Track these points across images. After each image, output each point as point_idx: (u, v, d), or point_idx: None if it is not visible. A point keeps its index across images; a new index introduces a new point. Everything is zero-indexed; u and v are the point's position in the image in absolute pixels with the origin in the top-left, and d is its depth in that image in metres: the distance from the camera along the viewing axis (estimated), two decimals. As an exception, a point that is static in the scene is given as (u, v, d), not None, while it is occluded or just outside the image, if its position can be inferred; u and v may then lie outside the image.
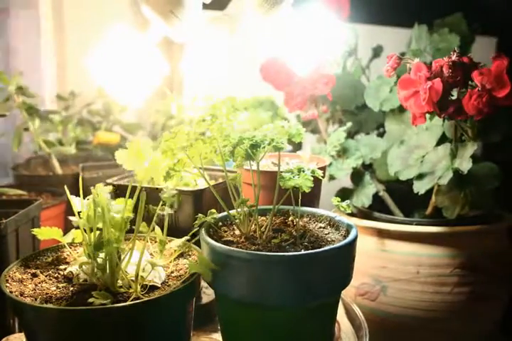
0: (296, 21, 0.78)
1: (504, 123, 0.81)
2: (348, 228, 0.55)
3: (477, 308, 0.84)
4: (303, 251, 0.50)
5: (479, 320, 0.86)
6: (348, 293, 0.89)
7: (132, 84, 0.74)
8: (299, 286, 0.48)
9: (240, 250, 0.49)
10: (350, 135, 1.00)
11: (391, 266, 0.86)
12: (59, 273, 0.54)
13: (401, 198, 0.93)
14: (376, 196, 0.93)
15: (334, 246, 0.50)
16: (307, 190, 0.52)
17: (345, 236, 0.54)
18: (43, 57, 1.21)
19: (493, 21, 1.34)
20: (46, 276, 0.53)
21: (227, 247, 0.50)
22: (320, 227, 0.58)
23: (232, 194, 0.56)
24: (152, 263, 0.51)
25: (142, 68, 0.76)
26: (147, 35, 0.78)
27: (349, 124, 0.92)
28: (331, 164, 0.94)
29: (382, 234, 0.87)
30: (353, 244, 0.51)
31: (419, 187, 0.80)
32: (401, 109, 0.92)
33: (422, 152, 0.84)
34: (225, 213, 0.57)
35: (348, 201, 0.56)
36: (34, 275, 0.53)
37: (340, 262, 0.51)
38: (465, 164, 0.74)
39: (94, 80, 0.76)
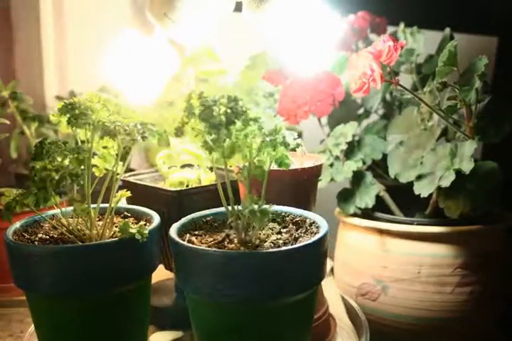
0: (294, 18, 0.77)
1: (505, 124, 0.81)
2: (321, 227, 0.55)
3: (478, 308, 0.84)
4: (269, 250, 0.50)
5: (480, 319, 0.86)
6: (348, 293, 0.89)
7: (143, 84, 0.74)
8: (268, 283, 0.48)
9: (210, 249, 0.50)
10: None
11: (392, 266, 0.86)
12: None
13: (401, 198, 0.93)
14: (376, 196, 0.93)
15: (299, 245, 0.50)
16: (287, 167, 0.52)
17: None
18: (43, 57, 1.21)
19: (493, 21, 1.34)
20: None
21: (195, 246, 0.50)
22: (295, 226, 0.58)
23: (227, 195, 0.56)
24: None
25: (152, 67, 0.77)
26: (153, 37, 0.79)
27: (353, 123, 0.92)
28: (332, 165, 0.94)
29: (383, 234, 0.87)
30: (319, 243, 0.51)
31: (420, 189, 0.80)
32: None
33: (422, 152, 0.84)
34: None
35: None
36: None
37: (308, 260, 0.51)
38: (466, 164, 0.74)
39: (112, 82, 0.76)
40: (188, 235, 0.55)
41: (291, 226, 0.58)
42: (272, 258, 0.48)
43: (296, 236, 0.55)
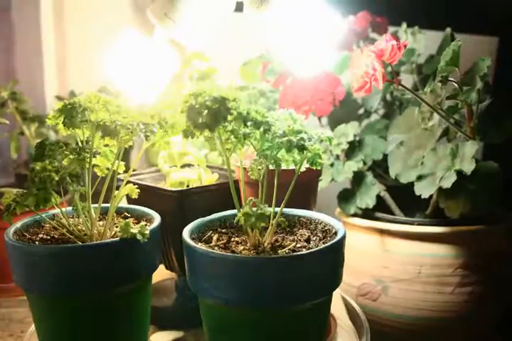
0: (295, 18, 0.77)
1: (506, 124, 0.81)
2: (337, 231, 0.55)
3: (478, 308, 0.84)
4: (282, 254, 0.50)
5: (480, 319, 0.86)
6: (349, 293, 0.89)
7: (143, 84, 0.75)
8: (282, 288, 0.47)
9: (226, 253, 0.49)
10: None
11: (392, 266, 0.85)
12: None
13: (402, 198, 0.93)
14: (376, 196, 0.93)
15: (313, 250, 0.49)
16: (319, 167, 0.51)
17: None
18: (43, 57, 1.21)
19: (493, 21, 1.34)
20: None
21: (209, 250, 0.49)
22: (309, 230, 0.57)
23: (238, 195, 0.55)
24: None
25: (153, 67, 0.77)
26: (153, 38, 0.79)
27: (354, 123, 0.92)
28: (332, 165, 0.94)
29: (383, 234, 0.87)
30: (334, 248, 0.51)
31: (421, 190, 0.80)
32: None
33: (422, 152, 0.84)
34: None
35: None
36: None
37: (323, 265, 0.50)
38: (467, 165, 0.74)
39: (112, 82, 0.76)
40: (202, 238, 0.55)
41: (304, 230, 0.57)
42: (287, 263, 0.47)
43: (313, 240, 0.54)
